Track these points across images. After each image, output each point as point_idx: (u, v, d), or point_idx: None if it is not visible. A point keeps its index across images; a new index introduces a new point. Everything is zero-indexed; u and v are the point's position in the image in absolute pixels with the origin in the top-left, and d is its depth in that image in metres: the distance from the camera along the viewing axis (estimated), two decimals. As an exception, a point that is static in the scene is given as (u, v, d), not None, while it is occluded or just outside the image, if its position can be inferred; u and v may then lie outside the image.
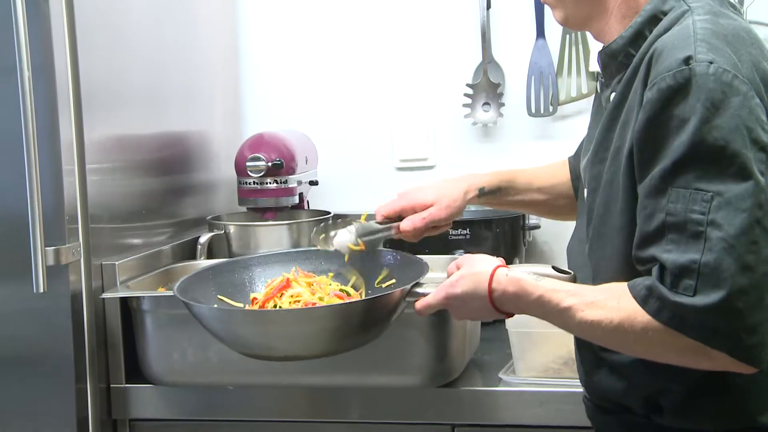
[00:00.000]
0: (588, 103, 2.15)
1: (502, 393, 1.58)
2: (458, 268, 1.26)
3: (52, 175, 1.56)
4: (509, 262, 1.92)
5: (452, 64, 2.22)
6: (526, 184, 1.54)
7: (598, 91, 1.31)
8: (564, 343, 1.53)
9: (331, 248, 1.50)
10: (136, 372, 1.67)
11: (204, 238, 1.92)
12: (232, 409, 1.65)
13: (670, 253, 1.05)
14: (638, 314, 1.08)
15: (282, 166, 1.98)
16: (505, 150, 2.21)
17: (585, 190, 1.26)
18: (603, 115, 1.23)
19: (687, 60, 1.06)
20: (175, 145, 1.99)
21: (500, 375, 1.60)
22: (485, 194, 1.50)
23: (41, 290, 1.52)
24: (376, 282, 1.53)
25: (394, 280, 1.50)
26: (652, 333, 1.07)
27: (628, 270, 1.13)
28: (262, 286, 1.56)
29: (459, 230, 1.92)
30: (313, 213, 2.11)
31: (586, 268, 1.24)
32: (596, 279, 1.21)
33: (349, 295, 1.51)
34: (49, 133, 1.56)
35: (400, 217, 1.49)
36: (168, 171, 1.96)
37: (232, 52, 2.30)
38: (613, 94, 1.20)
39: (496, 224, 1.94)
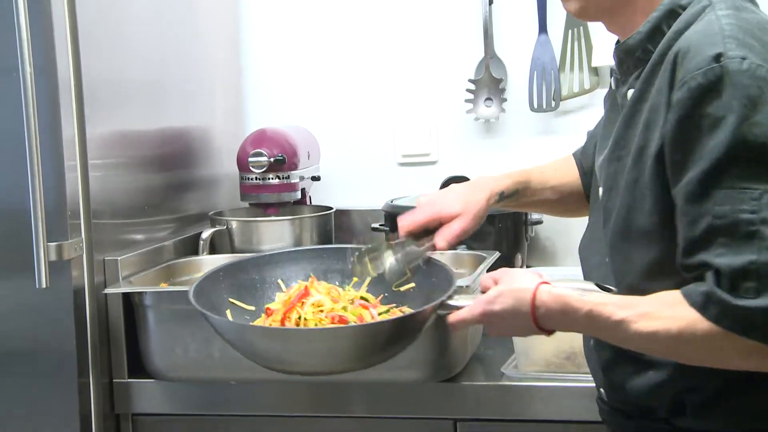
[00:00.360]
0: (590, 99, 2.16)
1: (504, 388, 1.58)
2: (495, 283, 1.21)
3: (55, 172, 1.57)
4: (512, 257, 1.96)
5: (454, 59, 2.23)
6: (540, 183, 1.50)
7: (613, 87, 1.27)
8: (566, 338, 1.54)
9: (373, 274, 1.45)
10: (139, 367, 1.68)
11: (206, 234, 1.93)
12: (234, 404, 1.66)
13: (723, 257, 1.03)
14: (697, 322, 1.05)
15: (284, 162, 1.98)
16: (507, 145, 2.21)
17: (600, 189, 1.24)
18: (619, 112, 1.21)
19: (717, 57, 1.04)
20: (177, 141, 2.00)
21: (502, 370, 1.61)
22: (504, 198, 1.46)
23: (43, 286, 1.53)
24: (394, 285, 1.47)
25: (413, 285, 1.45)
26: (714, 339, 1.04)
27: (657, 273, 1.12)
28: (273, 287, 1.50)
29: (461, 225, 1.93)
30: (316, 208, 2.11)
31: (602, 267, 1.23)
32: (621, 282, 1.18)
33: (368, 301, 1.46)
34: (51, 130, 1.56)
35: (425, 230, 1.42)
36: (170, 167, 1.97)
37: (233, 47, 2.30)
38: (630, 91, 1.18)
39: (499, 219, 1.94)
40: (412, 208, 2.00)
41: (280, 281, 1.50)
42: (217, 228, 1.96)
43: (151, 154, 1.88)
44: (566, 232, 2.07)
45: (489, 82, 2.19)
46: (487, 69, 2.19)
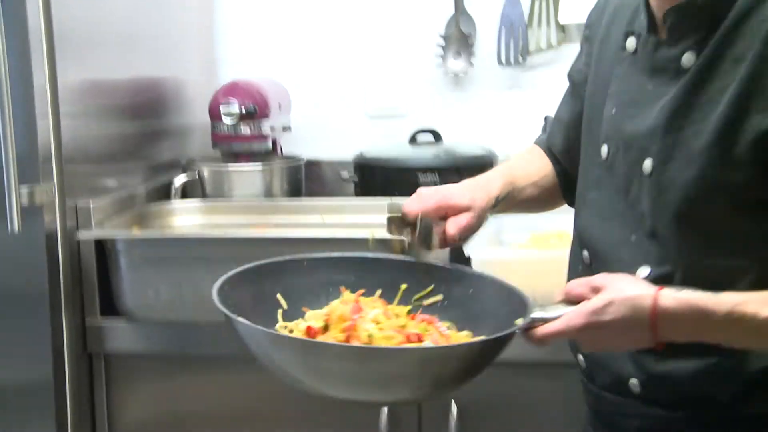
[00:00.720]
0: (557, 54, 2.16)
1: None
2: (595, 291, 1.05)
3: (26, 118, 1.54)
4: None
5: (425, 15, 2.21)
6: (524, 180, 1.35)
7: (631, 50, 1.14)
8: (524, 279, 1.53)
9: (398, 252, 1.25)
10: (111, 309, 1.68)
11: (178, 180, 1.92)
12: (204, 345, 1.66)
13: None
14: None
15: (255, 112, 1.97)
16: (475, 99, 2.21)
17: (649, 161, 1.09)
18: (654, 76, 1.10)
19: None
20: (150, 91, 1.98)
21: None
22: (498, 203, 1.29)
23: (16, 230, 1.51)
24: (416, 297, 1.24)
25: (440, 297, 1.23)
26: None
27: (738, 250, 1.04)
28: (271, 302, 1.22)
29: (428, 176, 1.93)
30: (287, 159, 2.10)
31: (626, 246, 1.12)
32: (678, 259, 1.07)
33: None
34: (22, 77, 1.54)
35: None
36: (143, 115, 1.95)
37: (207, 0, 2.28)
38: (687, 55, 1.06)
39: (465, 170, 1.94)
40: (383, 160, 2.02)
41: (279, 296, 1.22)
42: (189, 175, 1.95)
43: (123, 102, 1.86)
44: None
45: (458, 38, 2.18)
46: (456, 24, 2.18)
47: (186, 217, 1.88)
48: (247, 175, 1.98)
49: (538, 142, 1.41)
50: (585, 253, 1.19)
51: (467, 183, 1.29)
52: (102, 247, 1.67)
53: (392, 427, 1.60)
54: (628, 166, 1.12)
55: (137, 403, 1.71)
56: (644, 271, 1.09)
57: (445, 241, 1.22)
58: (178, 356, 1.69)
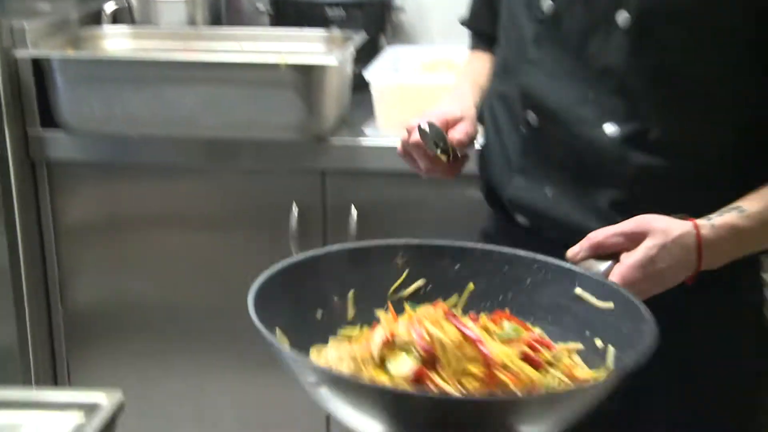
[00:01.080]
0: None
1: (365, 145, 1.71)
2: (634, 240, 0.91)
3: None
4: (377, 40, 2.03)
5: None
6: (484, 78, 1.22)
7: None
8: (420, 102, 1.58)
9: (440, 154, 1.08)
10: (51, 122, 1.74)
11: (109, 8, 1.95)
12: (136, 155, 1.75)
13: None
14: None
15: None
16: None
17: (621, 15, 0.97)
18: None
19: None
20: None
21: (364, 129, 1.73)
22: (478, 109, 1.17)
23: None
24: (391, 290, 0.90)
25: (421, 282, 0.91)
26: None
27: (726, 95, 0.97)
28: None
29: (335, 10, 1.98)
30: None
31: (586, 105, 1.00)
32: (669, 128, 0.98)
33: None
34: None
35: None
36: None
37: None
38: None
39: (366, 5, 2.01)
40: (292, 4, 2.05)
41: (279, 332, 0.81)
42: (119, 2, 1.98)
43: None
44: (424, 17, 2.16)
45: None
46: None
47: (116, 41, 1.92)
48: (172, 4, 2.01)
49: (469, 48, 1.30)
50: (531, 114, 1.05)
51: (449, 99, 1.17)
52: (39, 67, 1.70)
53: (300, 226, 1.73)
54: (587, 21, 0.99)
55: (78, 208, 1.81)
56: (610, 128, 0.99)
57: (453, 153, 1.07)
58: (113, 165, 1.78)
